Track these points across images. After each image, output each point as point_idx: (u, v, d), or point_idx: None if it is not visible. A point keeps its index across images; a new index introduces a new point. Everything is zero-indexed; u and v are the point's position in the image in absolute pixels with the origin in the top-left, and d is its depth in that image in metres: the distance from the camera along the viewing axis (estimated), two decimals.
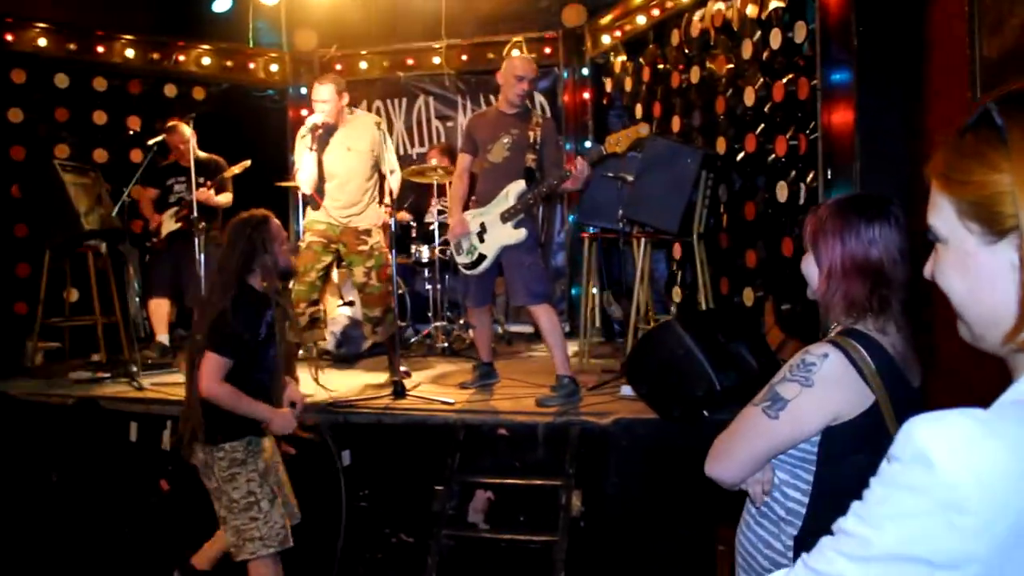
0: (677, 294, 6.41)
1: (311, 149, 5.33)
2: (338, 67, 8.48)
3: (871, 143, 4.18)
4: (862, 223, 1.95)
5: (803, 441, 1.93)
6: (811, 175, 4.60)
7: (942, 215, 1.00)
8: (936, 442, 0.87)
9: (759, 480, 2.00)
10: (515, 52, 5.38)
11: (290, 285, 3.80)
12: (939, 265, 1.04)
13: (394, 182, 5.56)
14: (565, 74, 7.94)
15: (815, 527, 1.92)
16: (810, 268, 2.04)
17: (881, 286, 1.93)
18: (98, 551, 4.98)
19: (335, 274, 6.51)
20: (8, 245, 6.97)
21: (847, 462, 1.89)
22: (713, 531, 3.73)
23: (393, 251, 5.32)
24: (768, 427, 1.92)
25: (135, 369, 5.78)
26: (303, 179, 5.40)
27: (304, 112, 6.54)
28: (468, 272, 5.14)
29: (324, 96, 5.28)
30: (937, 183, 1.01)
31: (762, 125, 5.11)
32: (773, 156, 4.97)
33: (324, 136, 5.40)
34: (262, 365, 3.60)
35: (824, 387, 1.87)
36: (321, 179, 5.46)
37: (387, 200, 5.39)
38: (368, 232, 5.49)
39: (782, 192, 4.86)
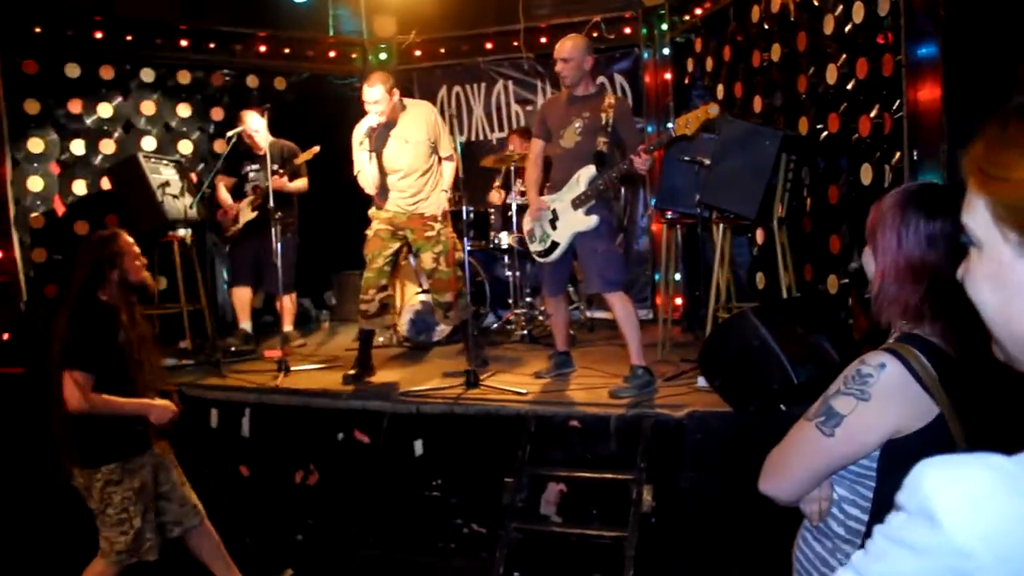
0: (760, 280, 6.20)
1: (369, 151, 5.36)
2: (417, 53, 8.49)
3: (960, 121, 3.95)
4: (922, 219, 1.78)
5: (862, 457, 1.80)
6: (896, 156, 4.37)
7: (977, 216, 0.87)
8: (943, 495, 0.76)
9: (816, 498, 1.87)
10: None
11: (137, 298, 3.84)
12: (970, 272, 0.91)
13: (450, 167, 5.57)
14: (646, 54, 7.76)
15: None
16: (869, 262, 1.90)
17: (939, 291, 1.75)
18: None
19: (412, 261, 6.53)
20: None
21: None
22: (790, 531, 3.60)
23: (466, 236, 5.28)
24: (823, 445, 1.79)
25: (218, 357, 5.91)
26: (367, 182, 5.45)
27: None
28: (542, 260, 5.07)
29: (375, 96, 5.26)
30: (973, 180, 0.88)
31: (845, 104, 4.88)
32: (856, 136, 4.74)
33: (382, 132, 5.40)
34: (125, 376, 3.67)
35: (882, 400, 1.72)
36: (383, 173, 5.47)
37: (444, 186, 5.42)
38: (434, 218, 5.49)
39: (866, 174, 4.64)
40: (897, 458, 1.77)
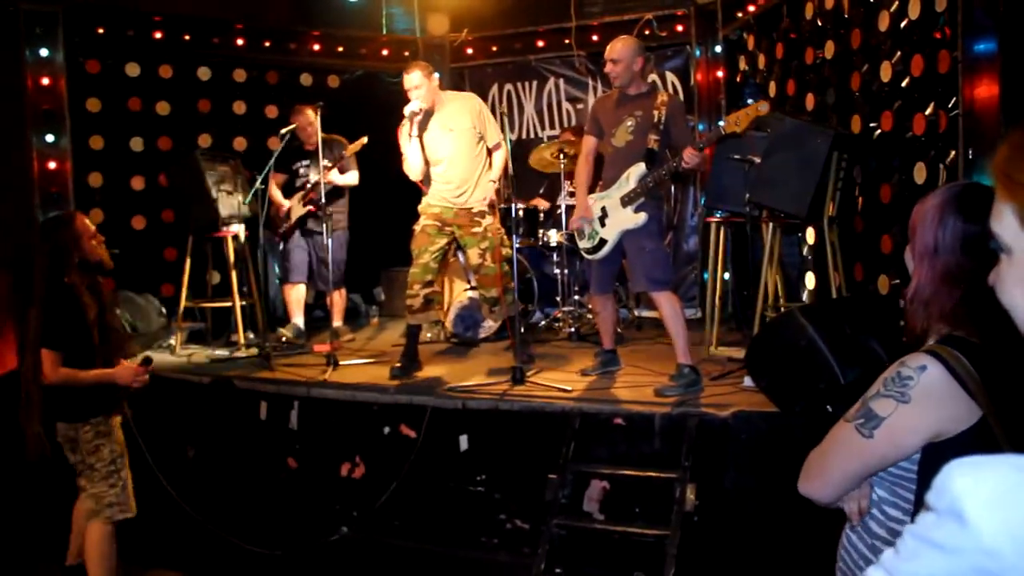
0: (811, 280, 6.13)
1: (412, 136, 5.38)
2: (469, 51, 8.54)
3: (1018, 120, 3.85)
4: (960, 221, 1.73)
5: (901, 460, 1.78)
6: (951, 155, 4.29)
7: (1004, 223, 0.88)
8: (972, 495, 0.76)
9: (855, 497, 1.86)
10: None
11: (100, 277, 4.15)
12: (1001, 278, 0.91)
13: (499, 157, 5.55)
14: (697, 52, 7.73)
15: None
16: (910, 261, 1.87)
17: (975, 296, 1.70)
18: (229, 524, 5.19)
19: (460, 257, 6.57)
20: (157, 231, 7.39)
21: None
22: (832, 532, 3.55)
23: (515, 234, 5.30)
24: (862, 446, 1.77)
25: (268, 350, 6.01)
26: (410, 167, 5.48)
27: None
28: (590, 257, 5.07)
29: (415, 82, 5.30)
30: (999, 186, 0.88)
31: (899, 102, 4.80)
32: (910, 134, 4.66)
33: (424, 122, 5.43)
34: (93, 350, 3.95)
35: (923, 403, 1.70)
36: (426, 163, 5.51)
37: (493, 176, 5.42)
38: (482, 214, 5.51)
39: (920, 174, 4.56)
40: (938, 461, 1.71)
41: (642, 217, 4.75)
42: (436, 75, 5.46)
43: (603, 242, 4.93)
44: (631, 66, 4.86)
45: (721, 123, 4.59)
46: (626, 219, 4.81)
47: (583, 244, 5.08)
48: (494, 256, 5.51)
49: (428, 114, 5.44)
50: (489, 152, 5.59)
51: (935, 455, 1.72)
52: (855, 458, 1.80)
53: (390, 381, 5.29)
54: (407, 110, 5.36)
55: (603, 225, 4.93)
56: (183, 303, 6.56)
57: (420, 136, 5.44)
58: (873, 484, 1.86)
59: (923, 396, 1.69)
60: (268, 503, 5.16)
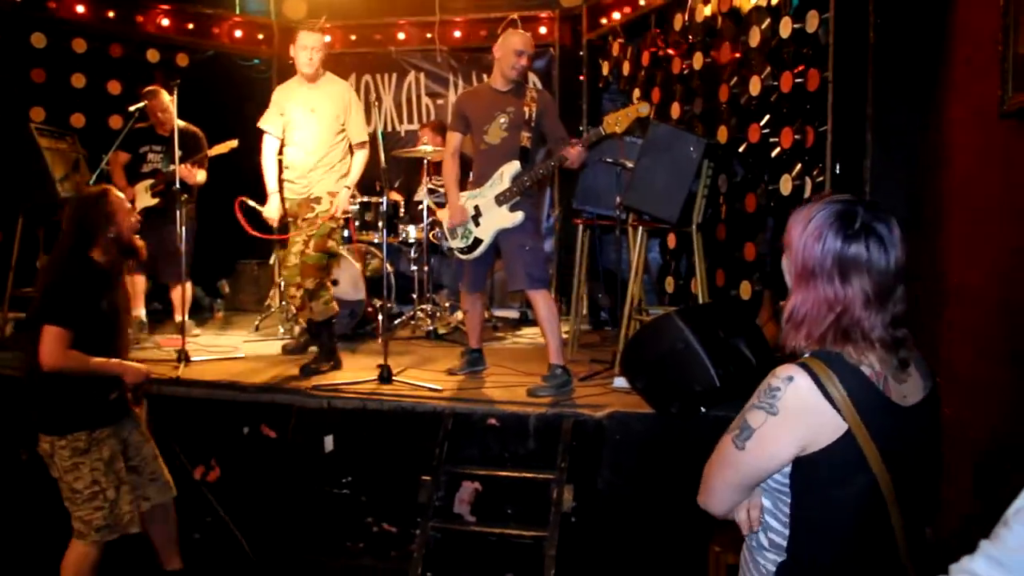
0: (670, 284, 6.28)
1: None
2: (327, 38, 8.25)
3: (884, 139, 4.07)
4: (838, 241, 1.72)
5: (775, 472, 1.80)
6: (817, 169, 4.48)
7: None
8: None
9: (744, 507, 1.89)
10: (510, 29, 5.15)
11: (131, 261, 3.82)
12: None
13: (360, 158, 5.36)
14: (560, 54, 7.77)
15: (798, 561, 1.82)
16: (787, 271, 1.87)
17: (845, 324, 1.74)
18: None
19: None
20: None
21: (823, 495, 1.76)
22: (708, 532, 3.63)
23: (384, 231, 5.14)
24: (736, 458, 1.80)
25: None
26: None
27: None
28: (463, 257, 4.98)
29: (315, 42, 5.16)
30: None
31: (768, 116, 4.98)
32: (778, 148, 4.84)
33: (294, 97, 5.26)
34: (106, 337, 3.58)
35: (789, 415, 1.72)
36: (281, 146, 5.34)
37: (349, 181, 5.31)
38: (318, 200, 5.24)
39: (786, 185, 4.74)
40: (808, 475, 1.77)
41: (519, 216, 4.71)
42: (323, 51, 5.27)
43: (478, 241, 4.85)
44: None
45: (598, 127, 4.61)
46: (502, 218, 4.75)
47: (455, 244, 4.98)
48: (317, 245, 5.22)
49: (297, 89, 5.24)
50: (351, 150, 5.38)
51: (804, 468, 1.76)
52: (731, 469, 1.83)
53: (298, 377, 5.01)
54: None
55: (477, 224, 4.85)
56: (9, 291, 5.99)
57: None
58: (763, 495, 1.89)
59: (790, 408, 1.72)
60: None
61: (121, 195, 3.70)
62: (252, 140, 5.37)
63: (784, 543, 1.83)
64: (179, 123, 5.70)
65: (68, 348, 3.39)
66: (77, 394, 3.50)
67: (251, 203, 5.52)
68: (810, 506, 1.78)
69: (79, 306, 3.45)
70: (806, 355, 1.78)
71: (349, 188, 5.32)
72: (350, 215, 6.70)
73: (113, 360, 3.55)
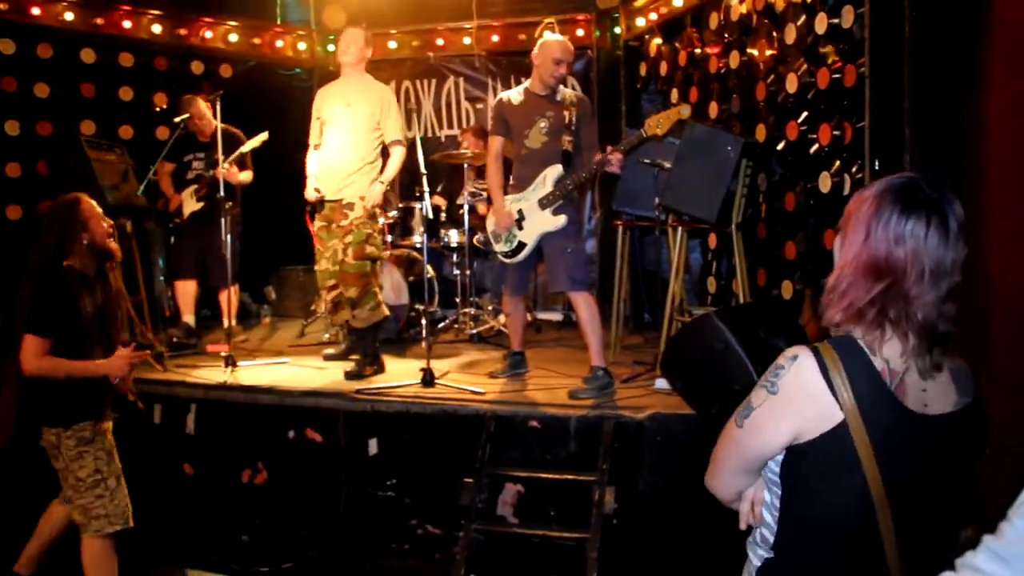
0: (712, 284, 6.26)
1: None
2: (364, 35, 8.34)
3: (923, 133, 4.02)
4: (895, 213, 1.63)
5: (771, 456, 1.74)
6: (856, 166, 4.44)
7: None
8: None
9: (748, 498, 1.84)
10: (547, 33, 5.18)
11: (112, 263, 3.86)
12: None
13: (396, 155, 5.42)
14: (598, 56, 7.78)
15: (781, 560, 1.76)
16: (837, 251, 1.79)
17: (892, 297, 1.64)
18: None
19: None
20: (35, 221, 6.87)
21: (810, 490, 1.69)
22: (748, 532, 3.63)
23: (424, 235, 5.20)
24: (736, 437, 1.76)
25: (161, 350, 5.72)
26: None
27: None
28: (508, 260, 5.01)
29: (355, 38, 5.37)
30: None
31: (805, 113, 4.94)
32: (816, 145, 4.81)
33: (329, 94, 5.41)
34: (93, 338, 3.67)
35: (787, 396, 1.66)
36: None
37: (385, 177, 5.37)
38: (351, 206, 5.31)
39: (825, 183, 4.70)
40: (798, 466, 1.71)
41: (562, 219, 4.74)
42: (370, 49, 5.42)
43: (522, 245, 4.88)
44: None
45: (639, 130, 4.61)
46: (546, 221, 4.78)
47: (500, 248, 5.01)
48: (356, 252, 5.30)
49: (334, 86, 5.38)
50: (385, 150, 5.45)
51: (795, 458, 1.70)
52: (731, 448, 1.80)
53: (319, 381, 5.09)
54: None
55: (520, 228, 4.89)
56: None
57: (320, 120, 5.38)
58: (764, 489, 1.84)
59: (789, 388, 1.67)
60: (162, 512, 4.89)
61: (92, 202, 3.81)
62: (293, 149, 5.47)
63: (772, 538, 1.78)
64: (220, 125, 5.80)
65: (45, 355, 3.52)
66: (78, 388, 3.63)
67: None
68: (798, 502, 1.73)
69: (54, 314, 3.55)
70: (831, 336, 1.71)
71: (383, 183, 5.36)
72: (392, 219, 6.78)
73: (91, 363, 3.63)
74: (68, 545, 3.86)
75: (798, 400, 1.65)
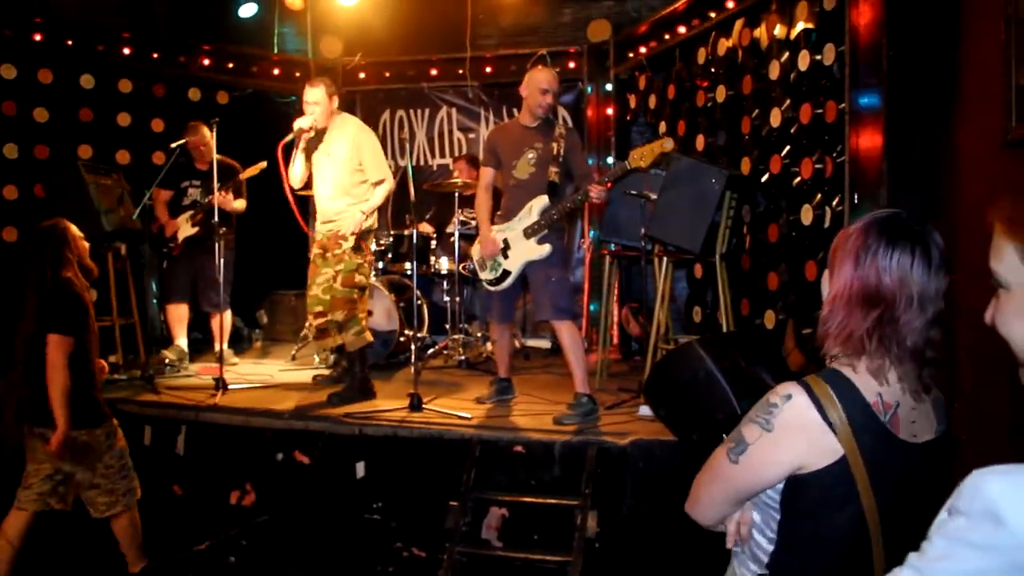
0: (697, 314, 6.36)
1: (297, 148, 5.40)
2: (362, 75, 8.50)
3: (899, 168, 4.14)
4: (882, 245, 1.70)
5: (766, 488, 1.78)
6: (837, 199, 4.56)
7: (1005, 261, 0.99)
8: (1008, 498, 0.85)
9: (734, 520, 1.87)
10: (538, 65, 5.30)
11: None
12: (1000, 311, 1.02)
13: (380, 191, 5.45)
14: (589, 89, 7.93)
15: None
16: (825, 285, 1.84)
17: (885, 324, 1.69)
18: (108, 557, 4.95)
19: None
20: None
21: (813, 519, 1.73)
22: (730, 557, 3.69)
23: (413, 262, 5.29)
24: (728, 471, 1.78)
25: (151, 372, 5.78)
26: (293, 176, 5.45)
27: None
28: (492, 288, 5.11)
29: (316, 98, 5.32)
30: (1000, 227, 0.99)
31: (788, 147, 5.07)
32: (799, 179, 4.93)
33: (314, 140, 5.42)
34: (88, 353, 3.96)
35: (784, 433, 1.69)
36: (309, 184, 5.52)
37: (364, 207, 5.39)
38: (344, 237, 5.39)
39: (807, 215, 4.82)
40: (800, 496, 1.73)
41: (546, 248, 4.83)
42: (335, 97, 5.43)
43: (506, 273, 4.98)
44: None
45: (623, 162, 4.72)
46: (530, 251, 4.87)
47: (485, 275, 5.11)
48: (345, 280, 5.39)
49: (320, 134, 5.41)
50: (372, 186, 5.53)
51: (796, 489, 1.73)
52: (722, 482, 1.81)
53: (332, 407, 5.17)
54: (296, 124, 5.32)
55: (506, 256, 4.98)
56: None
57: (308, 154, 5.43)
58: (753, 508, 1.86)
59: (785, 426, 1.69)
60: (150, 531, 4.92)
61: (72, 225, 4.05)
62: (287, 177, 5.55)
63: (766, 559, 1.81)
64: (216, 156, 5.92)
65: (68, 356, 3.79)
66: (92, 392, 3.98)
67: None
68: (797, 529, 1.76)
69: (76, 315, 3.84)
70: (824, 367, 1.76)
71: (364, 213, 5.41)
72: (384, 247, 6.88)
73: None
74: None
75: (797, 437, 1.68)
